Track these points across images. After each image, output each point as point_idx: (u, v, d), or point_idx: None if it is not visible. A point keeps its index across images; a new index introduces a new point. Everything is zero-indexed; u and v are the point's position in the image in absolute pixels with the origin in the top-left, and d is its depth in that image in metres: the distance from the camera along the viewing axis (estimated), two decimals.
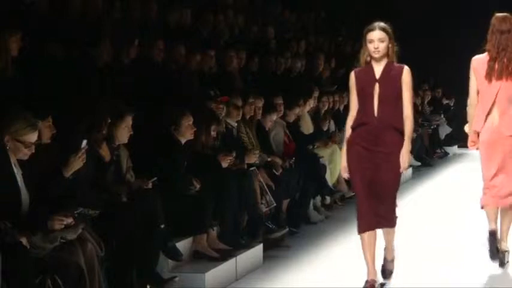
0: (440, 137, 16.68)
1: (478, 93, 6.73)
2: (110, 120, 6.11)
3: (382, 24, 6.12)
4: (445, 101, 17.32)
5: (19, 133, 5.05)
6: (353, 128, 6.16)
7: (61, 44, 7.35)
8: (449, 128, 16.66)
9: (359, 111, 6.15)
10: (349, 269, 6.89)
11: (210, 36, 10.99)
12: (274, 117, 9.22)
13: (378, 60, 6.10)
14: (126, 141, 6.39)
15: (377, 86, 6.06)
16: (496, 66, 6.58)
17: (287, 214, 8.85)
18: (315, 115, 11.03)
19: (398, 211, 6.31)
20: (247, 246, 7.37)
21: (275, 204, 8.24)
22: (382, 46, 6.06)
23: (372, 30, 6.10)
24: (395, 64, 6.14)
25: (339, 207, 10.53)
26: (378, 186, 6.09)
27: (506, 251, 6.91)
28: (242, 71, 10.45)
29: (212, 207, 7.10)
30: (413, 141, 14.50)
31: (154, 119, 7.23)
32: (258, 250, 7.49)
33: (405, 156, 6.10)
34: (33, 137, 5.11)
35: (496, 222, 6.81)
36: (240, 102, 8.49)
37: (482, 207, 6.85)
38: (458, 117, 16.65)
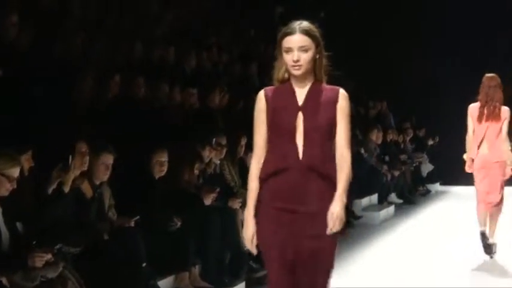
0: (423, 174, 16.73)
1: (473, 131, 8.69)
2: (87, 157, 6.08)
3: (305, 24, 4.15)
4: (430, 142, 17.44)
5: (4, 167, 5.09)
6: (263, 178, 4.19)
7: (42, 81, 7.35)
8: (432, 166, 16.74)
9: (271, 153, 4.19)
10: None
11: (193, 73, 11.02)
12: None
13: (300, 78, 4.17)
14: (105, 179, 6.38)
15: (300, 116, 4.14)
16: (485, 111, 8.59)
17: None
18: None
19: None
20: (230, 284, 7.33)
21: (257, 242, 8.17)
22: (306, 58, 4.11)
23: (290, 33, 4.12)
24: (325, 85, 4.23)
25: None
26: (301, 266, 4.10)
27: (494, 243, 8.75)
28: (225, 108, 10.47)
29: (195, 245, 7.06)
30: (396, 179, 14.65)
31: (131, 155, 7.21)
32: None
33: (337, 214, 4.06)
34: (16, 172, 5.18)
35: (485, 225, 8.69)
36: (224, 141, 8.50)
37: (477, 213, 8.79)
38: (441, 155, 16.83)
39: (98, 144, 6.31)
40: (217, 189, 7.68)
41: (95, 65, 8.57)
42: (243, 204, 8.18)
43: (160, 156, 7.05)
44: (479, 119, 8.59)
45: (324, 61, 4.21)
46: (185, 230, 6.99)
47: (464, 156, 8.85)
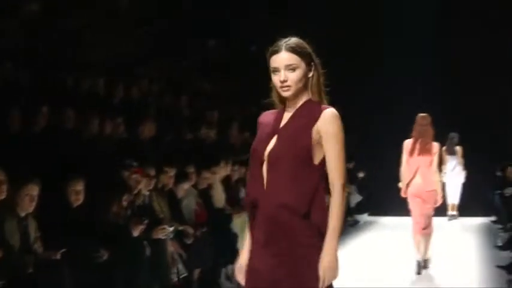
0: (351, 205, 16.92)
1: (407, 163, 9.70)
2: (5, 185, 5.99)
3: (292, 40, 3.73)
4: (360, 175, 17.69)
5: None
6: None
7: None
8: (360, 197, 16.96)
9: (249, 181, 3.77)
10: None
11: (123, 104, 10.99)
12: (187, 186, 9.20)
13: (292, 100, 3.73)
14: (30, 210, 6.30)
15: (274, 140, 3.70)
16: (418, 146, 9.63)
17: (198, 283, 8.78)
18: (228, 183, 11.05)
19: None
20: None
21: (186, 274, 8.17)
22: (294, 77, 3.67)
23: (276, 52, 3.70)
24: (317, 106, 3.71)
25: None
26: None
27: (427, 259, 9.81)
28: (154, 139, 10.45)
29: (123, 277, 7.00)
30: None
31: (57, 187, 7.13)
32: None
33: (327, 266, 3.57)
34: None
35: (420, 253, 9.64)
36: (153, 172, 8.47)
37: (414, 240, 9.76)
38: (368, 186, 17.10)
39: (22, 175, 6.23)
40: (146, 221, 7.64)
41: (24, 94, 8.49)
42: (176, 235, 8.21)
43: (75, 185, 7.00)
44: (412, 153, 9.64)
45: (321, 80, 3.76)
46: (113, 261, 6.93)
47: (400, 184, 9.90)
